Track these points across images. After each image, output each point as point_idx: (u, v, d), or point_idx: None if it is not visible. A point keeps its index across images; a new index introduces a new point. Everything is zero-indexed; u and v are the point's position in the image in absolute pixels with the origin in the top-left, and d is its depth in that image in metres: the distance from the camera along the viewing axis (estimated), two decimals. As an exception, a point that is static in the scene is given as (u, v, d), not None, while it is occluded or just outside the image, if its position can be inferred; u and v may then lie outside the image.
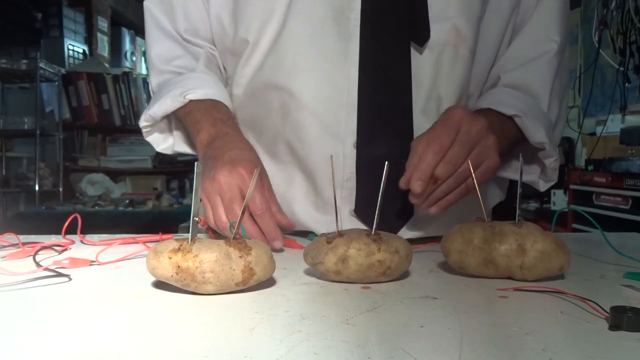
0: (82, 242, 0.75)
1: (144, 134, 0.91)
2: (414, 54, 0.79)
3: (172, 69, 0.89)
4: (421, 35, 0.78)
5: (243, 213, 0.54)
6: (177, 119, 0.89)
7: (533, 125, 0.79)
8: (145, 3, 0.92)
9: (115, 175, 3.78)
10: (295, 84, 0.79)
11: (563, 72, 0.89)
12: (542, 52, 0.85)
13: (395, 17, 0.79)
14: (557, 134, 0.91)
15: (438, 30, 0.78)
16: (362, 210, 0.79)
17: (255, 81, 0.84)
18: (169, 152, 0.93)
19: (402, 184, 0.68)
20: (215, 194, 0.70)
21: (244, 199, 0.68)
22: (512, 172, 0.88)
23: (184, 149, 0.91)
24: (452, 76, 0.80)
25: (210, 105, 0.82)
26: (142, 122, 0.88)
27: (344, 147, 0.79)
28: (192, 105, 0.82)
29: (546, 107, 0.85)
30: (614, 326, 0.41)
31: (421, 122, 0.79)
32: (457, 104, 0.75)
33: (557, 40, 0.85)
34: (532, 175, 0.87)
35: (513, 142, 0.82)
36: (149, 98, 0.94)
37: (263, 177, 0.74)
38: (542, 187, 0.87)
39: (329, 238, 0.56)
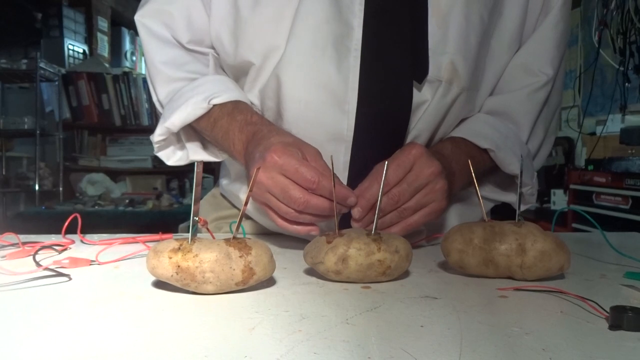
0: (82, 241, 0.75)
1: (155, 149, 0.86)
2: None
3: (184, 75, 0.83)
4: (420, 72, 0.76)
5: (243, 213, 0.54)
6: (189, 131, 0.85)
7: (507, 158, 0.79)
8: (136, 18, 0.85)
9: (115, 175, 3.78)
10: (293, 113, 0.77)
11: (553, 97, 0.88)
12: (531, 83, 0.84)
13: (397, 52, 0.76)
14: (542, 155, 0.91)
15: (435, 65, 0.76)
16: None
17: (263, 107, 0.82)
18: (181, 163, 0.87)
19: (347, 201, 0.66)
20: (278, 175, 0.64)
21: (294, 183, 0.64)
22: (492, 194, 0.87)
23: (202, 156, 0.86)
24: (442, 112, 0.79)
25: (231, 109, 0.78)
26: (157, 137, 0.83)
27: (343, 180, 0.77)
28: (216, 113, 0.78)
29: (526, 137, 0.85)
30: (614, 326, 0.41)
31: None
32: (416, 142, 0.74)
33: (549, 74, 0.84)
34: (510, 197, 0.87)
35: (489, 168, 0.82)
36: (149, 98, 0.91)
37: (309, 157, 0.68)
38: (521, 207, 0.87)
39: (329, 238, 0.56)
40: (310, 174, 0.64)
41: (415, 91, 0.77)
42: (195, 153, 0.85)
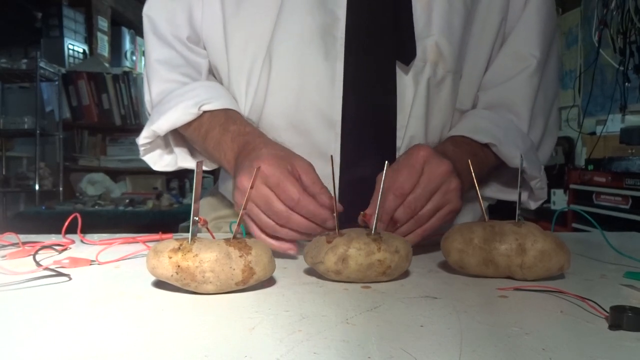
0: (82, 241, 0.75)
1: (141, 153, 0.85)
2: (397, 72, 0.77)
3: (177, 78, 0.83)
4: (407, 54, 0.77)
5: (241, 218, 0.54)
6: (177, 136, 0.84)
7: (510, 152, 0.77)
8: (144, 11, 0.86)
9: (115, 174, 3.78)
10: (282, 105, 0.78)
11: (548, 86, 0.87)
12: (522, 69, 0.84)
13: (380, 35, 0.77)
14: (545, 151, 0.90)
15: (420, 48, 0.77)
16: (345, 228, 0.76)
17: (252, 108, 0.81)
18: (168, 169, 0.87)
19: (361, 220, 0.62)
20: (261, 185, 0.63)
21: (295, 179, 0.62)
22: (500, 194, 0.86)
23: (190, 164, 0.85)
24: (433, 96, 0.79)
25: (224, 119, 0.77)
26: (143, 140, 0.82)
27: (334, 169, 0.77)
28: (207, 124, 0.77)
29: (526, 126, 0.84)
30: (614, 326, 0.41)
31: (404, 143, 0.78)
32: (422, 143, 0.73)
33: (537, 56, 0.84)
34: (521, 196, 0.85)
35: (494, 165, 0.80)
36: (148, 98, 0.90)
37: (300, 170, 0.66)
38: (533, 206, 0.85)
39: (329, 237, 0.56)
40: (292, 191, 0.62)
41: (403, 75, 0.78)
42: (184, 160, 0.85)
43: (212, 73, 0.88)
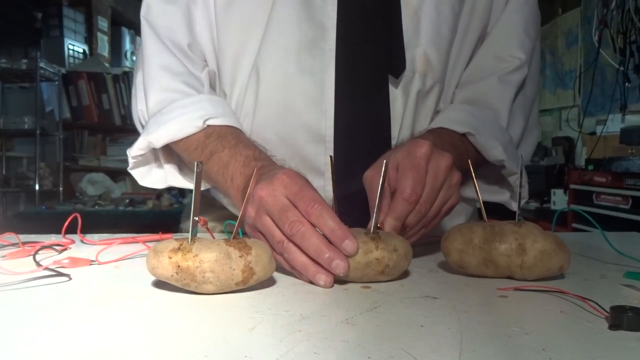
0: (82, 241, 0.75)
1: (130, 165, 0.80)
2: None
3: (179, 87, 0.77)
4: (396, 67, 0.76)
5: (241, 219, 0.54)
6: (167, 152, 0.81)
7: (488, 142, 0.75)
8: (142, 14, 0.81)
9: (115, 174, 3.78)
10: (270, 119, 0.77)
11: (529, 84, 0.85)
12: (502, 68, 0.82)
13: (371, 47, 0.76)
14: (527, 150, 0.88)
15: (409, 58, 0.76)
16: None
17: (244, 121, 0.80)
18: (157, 186, 0.82)
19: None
20: (263, 215, 0.57)
21: (294, 207, 0.56)
22: (484, 194, 0.80)
23: (180, 182, 0.82)
24: (420, 106, 0.79)
25: (234, 141, 0.72)
26: (136, 151, 0.77)
27: (325, 182, 0.76)
28: (213, 144, 0.73)
29: (505, 121, 0.81)
30: (614, 326, 0.41)
31: None
32: (419, 138, 0.69)
33: (521, 57, 0.82)
34: (503, 196, 0.83)
35: (474, 161, 0.75)
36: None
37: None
38: (515, 207, 0.82)
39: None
40: (312, 197, 0.56)
41: (393, 87, 0.77)
42: (174, 177, 0.82)
43: (212, 87, 0.84)
